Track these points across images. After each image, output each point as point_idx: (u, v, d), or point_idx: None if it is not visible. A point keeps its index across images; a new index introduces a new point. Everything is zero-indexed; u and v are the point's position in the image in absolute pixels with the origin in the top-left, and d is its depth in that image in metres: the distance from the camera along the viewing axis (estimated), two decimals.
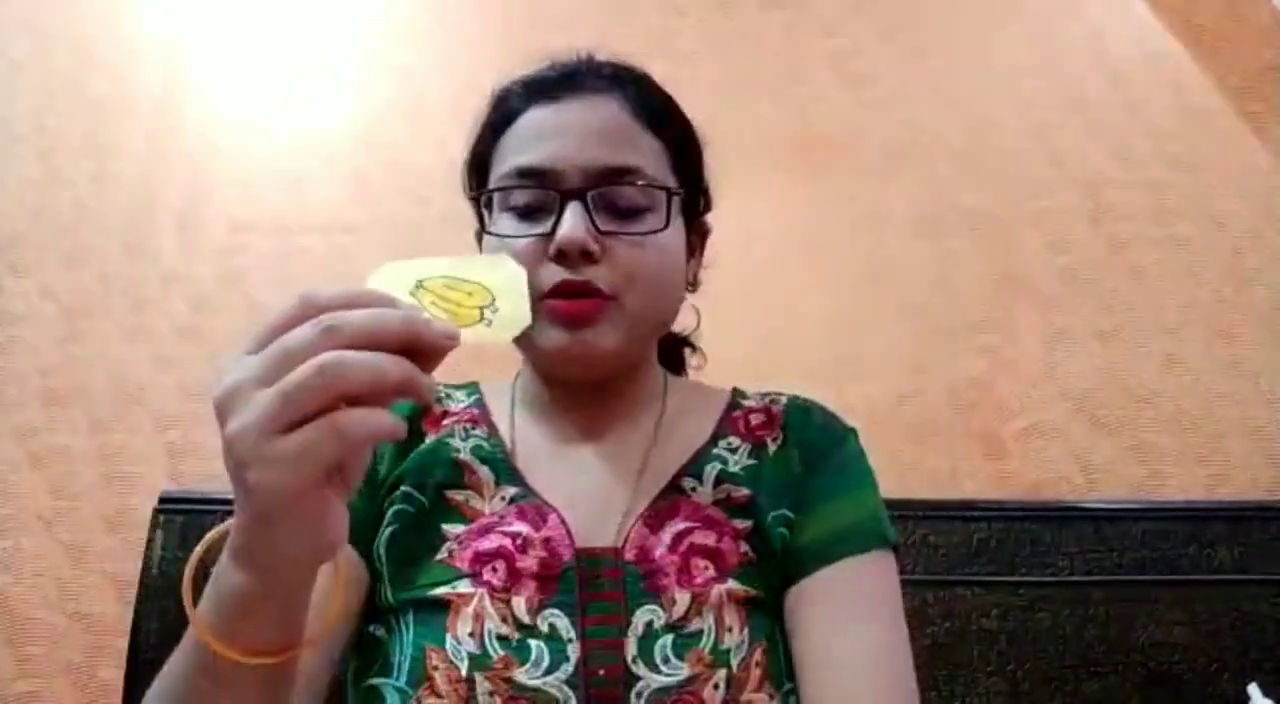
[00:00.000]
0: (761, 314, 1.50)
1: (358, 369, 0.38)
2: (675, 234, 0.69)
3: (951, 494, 1.36)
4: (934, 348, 1.48)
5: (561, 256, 0.64)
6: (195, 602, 0.46)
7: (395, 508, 0.67)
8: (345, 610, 0.65)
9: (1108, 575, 1.21)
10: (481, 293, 0.46)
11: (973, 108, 1.58)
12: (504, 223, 0.68)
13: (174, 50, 1.62)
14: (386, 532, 0.67)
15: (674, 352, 0.86)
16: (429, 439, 0.72)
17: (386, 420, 0.40)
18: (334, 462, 0.40)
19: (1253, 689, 1.13)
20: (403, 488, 0.68)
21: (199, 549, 0.47)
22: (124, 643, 1.16)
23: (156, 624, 1.15)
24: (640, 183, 0.67)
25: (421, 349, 0.41)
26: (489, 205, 0.70)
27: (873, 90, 1.60)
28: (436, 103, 1.59)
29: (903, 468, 1.40)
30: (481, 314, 0.46)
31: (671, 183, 0.70)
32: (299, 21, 1.64)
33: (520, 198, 0.67)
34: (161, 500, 1.23)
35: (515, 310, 0.46)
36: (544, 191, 0.66)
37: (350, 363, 0.38)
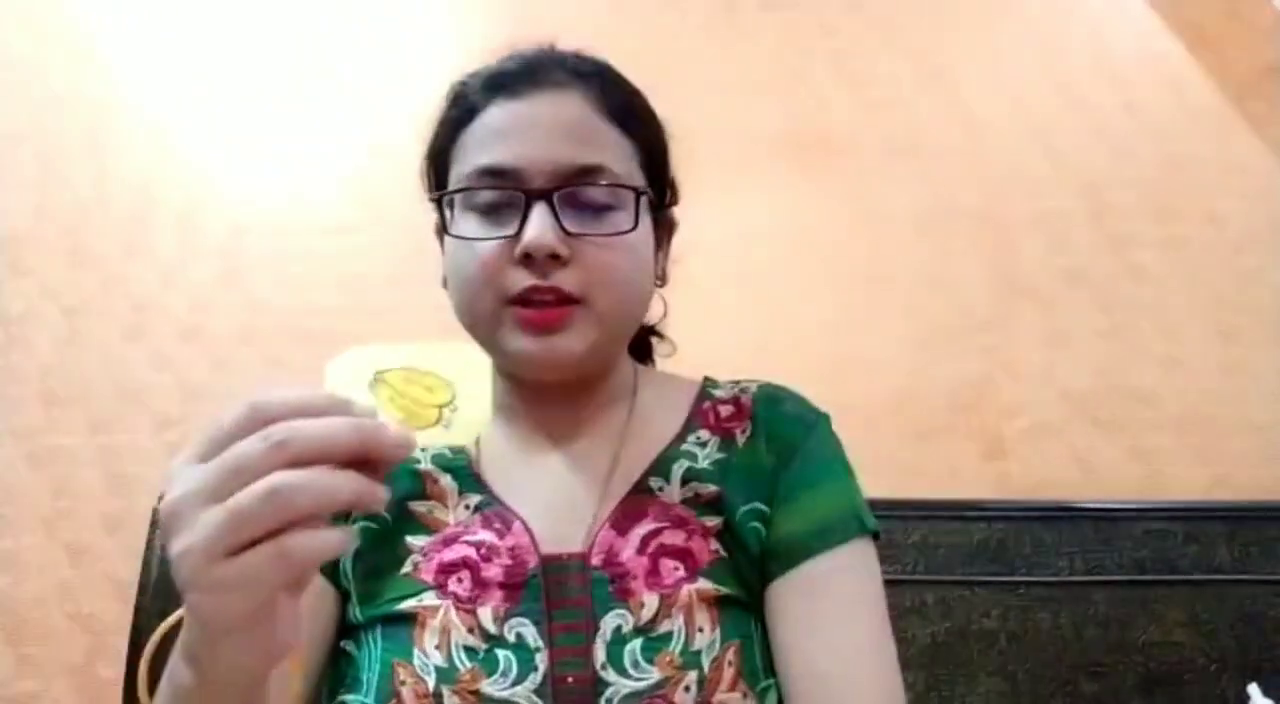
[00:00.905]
0: (761, 313, 1.50)
1: (307, 493, 0.38)
2: (643, 232, 0.68)
3: (951, 494, 1.36)
4: (934, 348, 1.48)
5: (528, 259, 0.62)
6: (153, 687, 0.46)
7: (358, 525, 0.66)
8: (323, 638, 0.65)
9: (1108, 575, 1.21)
10: (442, 388, 0.45)
11: (973, 108, 1.58)
12: (467, 224, 0.66)
13: (174, 50, 1.62)
14: (351, 550, 0.65)
15: (641, 340, 0.83)
16: None
17: (334, 540, 0.39)
18: (280, 586, 0.40)
19: (1253, 689, 1.13)
20: None
21: (153, 640, 0.47)
22: (124, 643, 1.16)
23: (156, 624, 1.15)
24: (607, 183, 0.65)
25: (374, 457, 0.41)
26: (450, 205, 0.67)
27: (873, 90, 1.60)
28: (437, 102, 1.59)
29: (903, 468, 1.40)
30: (440, 414, 0.44)
31: (638, 179, 0.68)
32: (299, 22, 1.64)
33: (484, 198, 0.65)
34: (161, 500, 1.23)
35: (475, 410, 0.45)
36: (508, 191, 0.64)
37: (299, 487, 0.38)
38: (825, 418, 0.73)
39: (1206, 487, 1.40)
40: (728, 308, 1.48)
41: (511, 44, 0.73)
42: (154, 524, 1.21)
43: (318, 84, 1.62)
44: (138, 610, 1.16)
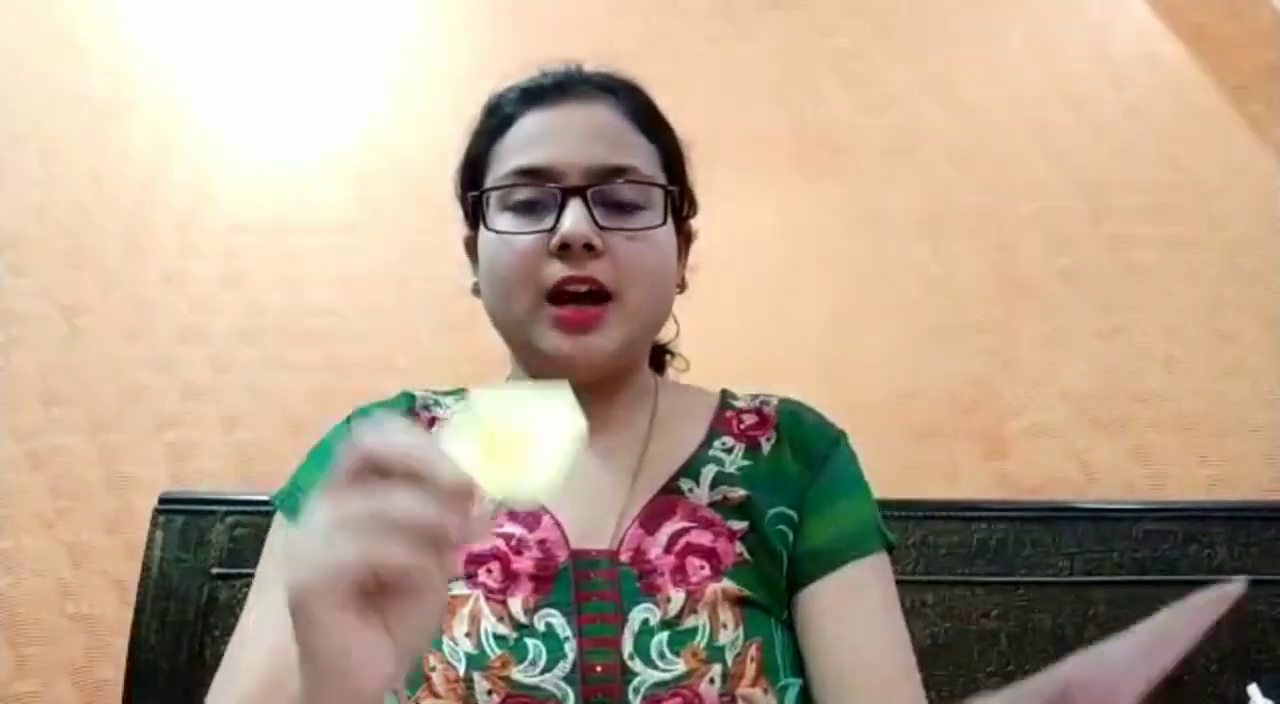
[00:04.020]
0: (761, 314, 1.50)
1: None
2: (669, 232, 0.71)
3: (951, 494, 1.36)
4: (934, 348, 1.48)
5: (564, 250, 0.65)
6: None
7: None
8: None
9: (1108, 575, 1.21)
10: (533, 445, 0.42)
11: (973, 108, 1.58)
12: (503, 220, 0.68)
13: (174, 50, 1.62)
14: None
15: (656, 358, 0.87)
16: None
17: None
18: (380, 559, 0.38)
19: (1253, 689, 1.12)
20: None
21: None
22: (124, 643, 1.16)
23: (156, 624, 1.15)
24: (637, 180, 0.68)
25: None
26: (485, 205, 0.70)
27: (873, 90, 1.60)
28: (437, 103, 1.59)
29: (903, 468, 1.40)
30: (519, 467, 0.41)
31: (664, 181, 0.72)
32: (299, 22, 1.64)
33: (519, 196, 0.68)
34: (161, 500, 1.23)
35: (547, 479, 0.41)
36: (544, 189, 0.67)
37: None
38: (846, 435, 0.76)
39: (1206, 487, 1.40)
40: (728, 307, 1.48)
41: (540, 64, 0.77)
42: (154, 524, 1.21)
43: (318, 84, 1.62)
44: (138, 610, 1.16)
